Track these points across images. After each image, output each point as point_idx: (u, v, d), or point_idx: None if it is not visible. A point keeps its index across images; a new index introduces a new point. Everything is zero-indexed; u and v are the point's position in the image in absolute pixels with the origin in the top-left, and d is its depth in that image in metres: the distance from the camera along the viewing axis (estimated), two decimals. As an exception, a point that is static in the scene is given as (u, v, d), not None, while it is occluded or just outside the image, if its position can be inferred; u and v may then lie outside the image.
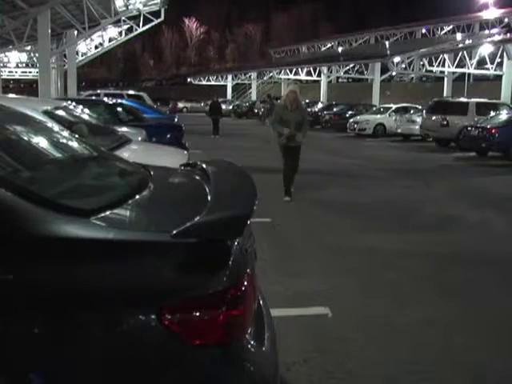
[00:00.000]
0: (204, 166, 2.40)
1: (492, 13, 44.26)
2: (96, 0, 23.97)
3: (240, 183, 2.16)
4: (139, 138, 7.49)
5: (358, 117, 23.86)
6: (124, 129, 7.79)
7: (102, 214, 1.67)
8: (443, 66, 35.02)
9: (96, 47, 40.39)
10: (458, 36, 44.98)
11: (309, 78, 45.86)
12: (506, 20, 43.75)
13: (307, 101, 33.74)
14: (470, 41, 38.64)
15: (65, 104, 6.56)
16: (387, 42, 48.97)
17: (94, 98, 16.16)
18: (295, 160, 8.21)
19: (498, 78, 33.52)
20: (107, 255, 1.54)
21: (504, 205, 8.35)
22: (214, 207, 1.72)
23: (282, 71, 49.13)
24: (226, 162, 2.64)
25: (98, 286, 1.49)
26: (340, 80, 53.27)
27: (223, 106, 28.14)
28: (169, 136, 9.92)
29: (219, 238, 1.64)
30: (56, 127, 2.87)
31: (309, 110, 29.14)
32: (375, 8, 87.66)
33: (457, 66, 34.84)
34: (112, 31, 36.32)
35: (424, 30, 53.57)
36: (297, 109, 7.96)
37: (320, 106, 31.10)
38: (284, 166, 8.18)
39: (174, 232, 1.54)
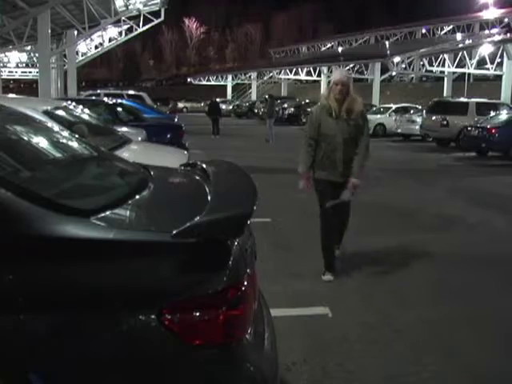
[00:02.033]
0: (204, 166, 2.40)
1: (492, 13, 44.27)
2: (96, 0, 23.96)
3: (240, 183, 2.16)
4: (139, 138, 7.50)
5: (358, 117, 23.79)
6: (124, 129, 7.80)
7: (102, 214, 1.67)
8: (443, 66, 35.03)
9: (96, 47, 40.36)
10: (458, 36, 44.96)
11: (309, 77, 45.89)
12: (506, 20, 43.76)
13: (307, 101, 33.80)
14: (470, 41, 38.64)
15: (65, 104, 6.56)
16: (387, 42, 48.96)
17: (94, 98, 16.16)
18: (343, 210, 4.81)
19: (498, 78, 33.54)
20: (107, 255, 1.54)
21: (504, 205, 8.35)
22: (214, 207, 1.71)
23: (282, 71, 49.14)
24: (225, 162, 2.64)
25: (98, 286, 1.49)
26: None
27: (223, 106, 28.17)
28: (169, 136, 9.93)
29: (219, 237, 1.64)
30: (56, 127, 2.87)
31: (308, 110, 29.20)
32: (375, 8, 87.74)
33: (457, 66, 34.86)
34: (112, 31, 36.29)
35: (424, 30, 53.59)
36: (349, 116, 4.54)
37: (320, 106, 31.05)
38: (321, 220, 4.78)
39: (174, 232, 1.54)
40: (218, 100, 26.00)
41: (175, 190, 2.40)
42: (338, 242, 5.03)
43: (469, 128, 15.51)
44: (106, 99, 12.66)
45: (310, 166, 4.68)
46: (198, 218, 1.60)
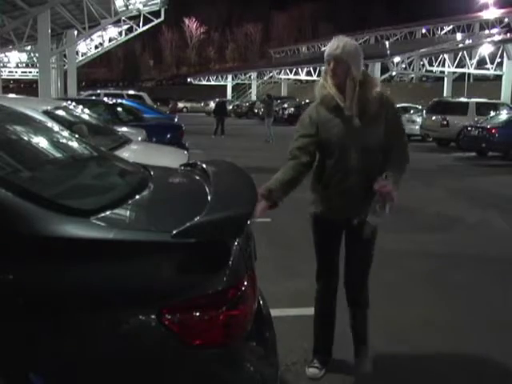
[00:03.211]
0: (204, 166, 2.40)
1: (492, 13, 44.25)
2: (96, 0, 23.96)
3: (240, 183, 2.16)
4: (139, 138, 7.51)
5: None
6: (124, 129, 7.81)
7: (102, 214, 1.67)
8: (443, 66, 35.06)
9: (96, 47, 40.37)
10: (458, 36, 44.98)
11: (309, 78, 45.87)
12: (506, 20, 43.73)
13: (307, 101, 33.79)
14: (470, 41, 38.66)
15: (65, 104, 6.57)
16: (387, 42, 48.97)
17: (93, 97, 16.17)
18: (356, 266, 3.09)
19: (498, 77, 33.56)
20: (107, 255, 1.54)
21: (504, 205, 8.35)
22: (214, 207, 1.71)
23: (282, 71, 49.17)
24: (225, 162, 2.64)
25: (98, 286, 1.49)
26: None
27: (223, 106, 28.29)
28: (169, 136, 9.94)
29: (219, 237, 1.64)
30: (56, 127, 2.87)
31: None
32: (375, 8, 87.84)
33: (457, 66, 34.88)
34: (112, 31, 36.30)
35: (424, 30, 53.59)
36: (364, 110, 2.76)
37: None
38: (318, 284, 3.10)
39: (174, 232, 1.54)
40: (224, 100, 26.17)
41: (175, 190, 2.40)
42: (356, 349, 3.08)
43: (469, 128, 15.51)
44: (105, 99, 12.67)
45: (283, 188, 2.73)
46: (198, 217, 1.60)
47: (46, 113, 4.97)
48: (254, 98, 50.29)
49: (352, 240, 2.96)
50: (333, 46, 2.74)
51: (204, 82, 59.07)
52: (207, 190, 2.00)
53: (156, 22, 31.89)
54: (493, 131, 14.52)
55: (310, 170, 2.86)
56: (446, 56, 34.69)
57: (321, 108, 2.83)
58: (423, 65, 34.92)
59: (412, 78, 49.44)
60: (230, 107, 42.23)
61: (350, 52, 2.72)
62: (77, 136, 2.87)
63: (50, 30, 21.02)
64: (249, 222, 1.75)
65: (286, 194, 2.74)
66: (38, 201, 1.59)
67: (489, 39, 35.86)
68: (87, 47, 40.52)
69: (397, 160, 2.85)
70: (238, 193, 2.01)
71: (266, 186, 2.68)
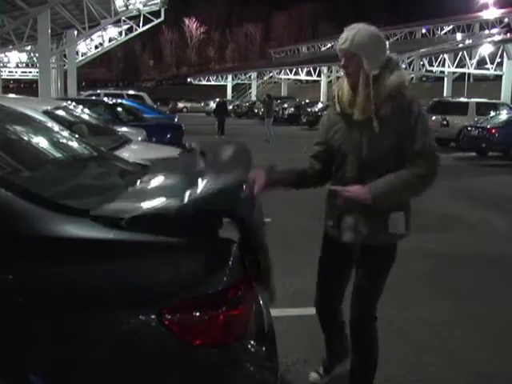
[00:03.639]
0: (198, 146, 2.43)
1: (492, 13, 44.27)
2: (96, 0, 23.97)
3: (233, 153, 2.19)
4: (139, 138, 7.51)
5: (358, 117, 23.78)
6: (124, 129, 7.82)
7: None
8: (443, 66, 35.08)
9: (96, 47, 40.37)
10: (458, 36, 45.02)
11: (309, 77, 45.93)
12: (506, 20, 43.74)
13: (307, 100, 33.79)
14: (470, 41, 38.68)
15: (65, 104, 6.57)
16: (387, 42, 48.95)
17: (94, 98, 16.17)
18: (356, 295, 2.72)
19: (498, 77, 33.59)
20: (107, 255, 1.54)
21: (504, 205, 8.35)
22: (208, 184, 1.71)
23: (282, 71, 49.21)
24: (220, 139, 2.68)
25: (98, 286, 1.49)
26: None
27: (223, 106, 28.42)
28: (169, 136, 9.96)
29: (219, 209, 1.63)
30: (56, 127, 2.87)
31: (308, 110, 29.08)
32: (375, 8, 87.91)
33: (457, 66, 34.92)
34: (112, 31, 36.28)
35: (424, 30, 53.61)
36: (373, 112, 2.29)
37: (320, 106, 31.07)
38: (316, 296, 2.96)
39: (174, 211, 1.55)
40: (224, 100, 26.18)
41: (173, 180, 2.39)
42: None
43: (469, 128, 15.51)
44: (105, 99, 12.68)
45: (283, 171, 2.71)
46: (197, 192, 1.62)
47: (46, 113, 4.97)
48: (253, 98, 50.29)
49: (358, 265, 2.62)
50: (341, 38, 2.33)
51: (204, 82, 59.12)
52: (203, 172, 2.01)
53: (156, 21, 31.87)
54: (493, 131, 14.52)
55: (321, 176, 2.66)
56: (446, 56, 34.72)
57: (331, 111, 2.57)
58: (423, 65, 34.95)
59: (412, 77, 49.42)
60: (230, 107, 42.33)
61: (360, 43, 2.29)
62: (77, 136, 2.87)
63: (49, 30, 21.02)
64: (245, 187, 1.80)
65: (284, 178, 2.66)
66: (37, 201, 1.59)
67: (489, 39, 35.88)
68: (87, 47, 40.51)
69: (397, 176, 2.32)
70: (231, 163, 2.03)
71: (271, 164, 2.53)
